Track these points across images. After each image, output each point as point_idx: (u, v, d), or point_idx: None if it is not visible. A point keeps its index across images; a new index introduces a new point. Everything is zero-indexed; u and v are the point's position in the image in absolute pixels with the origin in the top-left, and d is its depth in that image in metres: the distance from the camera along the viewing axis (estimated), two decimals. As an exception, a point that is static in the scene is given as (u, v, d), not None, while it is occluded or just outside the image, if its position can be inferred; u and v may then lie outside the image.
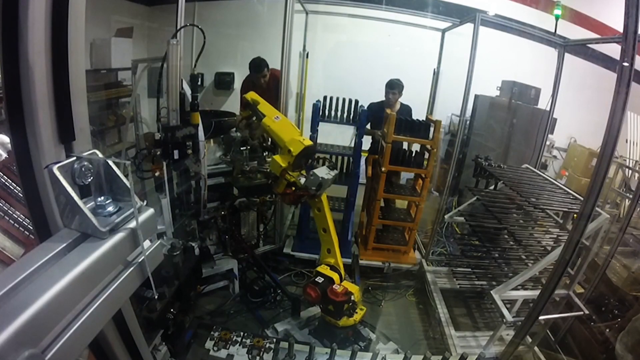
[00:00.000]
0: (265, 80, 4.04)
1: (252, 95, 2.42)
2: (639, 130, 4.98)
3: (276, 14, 4.10)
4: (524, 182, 3.00)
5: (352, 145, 3.62)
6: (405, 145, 3.56)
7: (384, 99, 3.92)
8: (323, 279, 2.34)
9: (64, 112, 0.77)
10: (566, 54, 3.49)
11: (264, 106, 2.35)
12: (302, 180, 2.13)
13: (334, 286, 2.31)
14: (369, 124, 3.89)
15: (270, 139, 2.66)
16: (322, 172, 2.15)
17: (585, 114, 5.10)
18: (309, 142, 2.12)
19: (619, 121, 1.45)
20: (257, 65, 3.96)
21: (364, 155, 3.70)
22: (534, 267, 2.39)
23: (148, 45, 5.41)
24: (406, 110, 3.93)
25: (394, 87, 3.79)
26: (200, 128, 2.51)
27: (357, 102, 3.46)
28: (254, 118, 2.50)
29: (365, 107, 3.53)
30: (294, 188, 2.15)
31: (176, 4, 2.41)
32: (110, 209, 0.80)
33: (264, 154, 2.89)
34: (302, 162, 2.17)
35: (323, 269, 2.40)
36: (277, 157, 2.13)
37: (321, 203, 2.26)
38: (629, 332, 2.15)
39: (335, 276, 2.35)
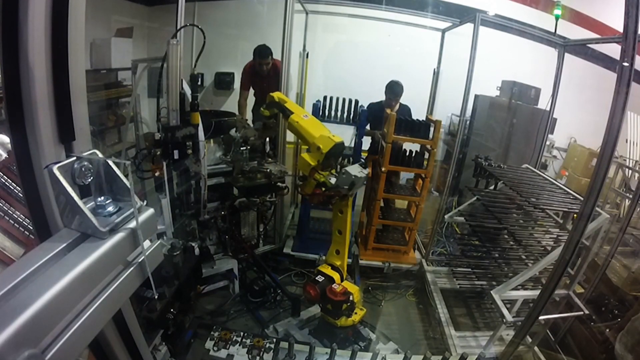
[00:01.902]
0: (267, 68, 4.05)
1: (278, 95, 2.35)
2: (639, 130, 4.98)
3: (276, 14, 4.10)
4: (524, 182, 3.00)
5: (352, 145, 3.62)
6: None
7: (383, 99, 3.92)
8: (323, 278, 2.34)
9: (64, 112, 0.77)
10: (566, 54, 3.49)
11: (292, 104, 2.28)
12: (333, 180, 2.03)
13: (333, 285, 2.31)
14: (369, 125, 3.89)
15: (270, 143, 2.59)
16: (355, 170, 2.04)
17: (585, 114, 5.10)
18: (339, 139, 2.02)
19: (619, 121, 1.45)
20: (262, 51, 3.98)
21: (363, 155, 3.70)
22: (534, 267, 2.39)
23: (148, 45, 5.41)
24: (405, 110, 3.92)
25: (396, 92, 3.77)
26: (200, 128, 2.51)
27: (357, 102, 3.46)
28: (272, 119, 2.46)
29: (365, 107, 3.53)
30: (323, 188, 2.06)
31: (176, 4, 2.41)
32: (110, 209, 0.80)
33: (266, 153, 2.89)
34: (331, 161, 2.08)
35: (324, 268, 2.40)
36: (305, 156, 2.04)
37: (347, 206, 2.20)
38: (628, 332, 2.15)
39: (336, 276, 2.35)
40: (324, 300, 2.31)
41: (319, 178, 2.04)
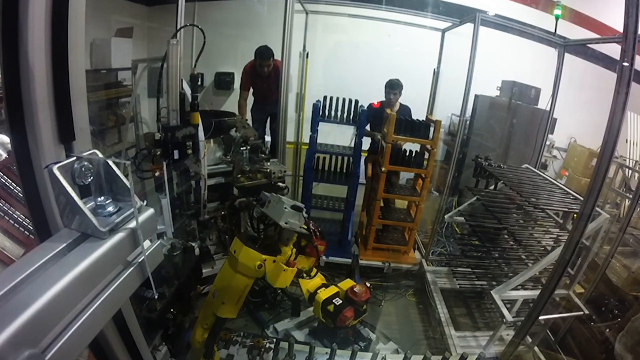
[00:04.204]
0: (268, 70, 4.06)
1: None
2: (639, 130, 4.98)
3: (276, 14, 4.10)
4: (524, 182, 3.00)
5: (352, 145, 3.62)
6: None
7: (383, 99, 3.92)
8: (336, 298, 2.02)
9: (64, 112, 0.77)
10: (566, 54, 3.49)
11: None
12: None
13: (354, 289, 2.17)
14: (369, 125, 3.89)
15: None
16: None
17: (585, 114, 5.10)
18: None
19: (619, 121, 1.45)
20: (264, 52, 3.99)
21: (363, 155, 3.70)
22: (534, 267, 2.39)
23: (148, 45, 5.41)
24: (406, 110, 3.93)
25: (395, 87, 3.80)
26: (200, 128, 2.51)
27: (357, 102, 3.46)
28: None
29: (365, 107, 3.53)
30: (304, 242, 1.81)
31: (176, 4, 2.41)
32: (110, 209, 0.79)
33: (261, 151, 2.88)
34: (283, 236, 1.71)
35: (324, 293, 2.03)
36: (285, 277, 1.69)
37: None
38: (628, 332, 2.15)
39: (333, 289, 2.14)
40: (358, 308, 2.19)
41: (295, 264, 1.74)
